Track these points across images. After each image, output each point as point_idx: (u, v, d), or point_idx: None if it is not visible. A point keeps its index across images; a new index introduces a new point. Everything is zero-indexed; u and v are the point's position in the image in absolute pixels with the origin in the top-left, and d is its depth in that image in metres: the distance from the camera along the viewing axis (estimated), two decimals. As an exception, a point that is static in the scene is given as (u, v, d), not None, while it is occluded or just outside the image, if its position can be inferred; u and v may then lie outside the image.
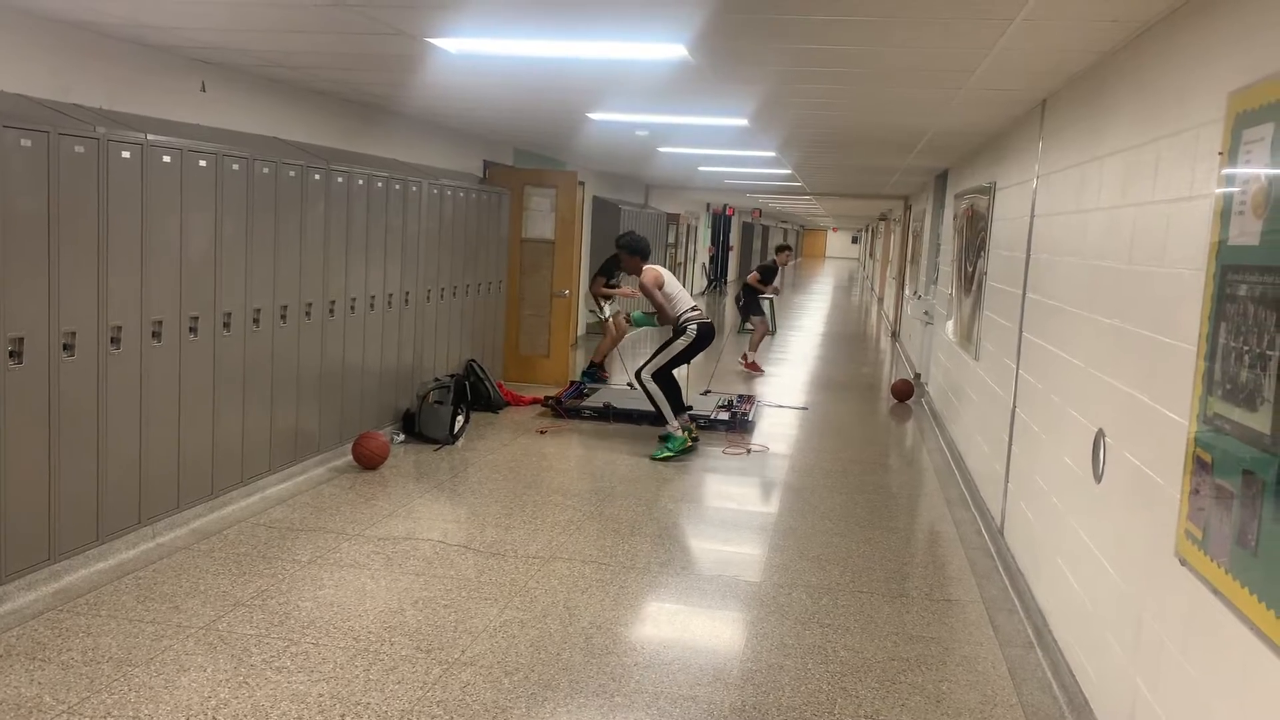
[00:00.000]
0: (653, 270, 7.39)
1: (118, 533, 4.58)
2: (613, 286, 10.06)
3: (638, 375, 7.36)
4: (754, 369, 11.81)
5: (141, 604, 4.11)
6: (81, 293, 4.22)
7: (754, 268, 14.14)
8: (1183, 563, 2.60)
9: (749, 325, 12.86)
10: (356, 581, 4.49)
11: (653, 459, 6.97)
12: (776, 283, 13.49)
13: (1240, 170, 2.44)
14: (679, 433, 7.15)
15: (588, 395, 9.00)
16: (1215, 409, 2.46)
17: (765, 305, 13.60)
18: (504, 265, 9.51)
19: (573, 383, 9.49)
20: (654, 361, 7.33)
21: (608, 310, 10.19)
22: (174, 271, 4.78)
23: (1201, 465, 2.52)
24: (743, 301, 13.06)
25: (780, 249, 14.33)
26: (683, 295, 7.46)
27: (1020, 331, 5.27)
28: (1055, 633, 3.97)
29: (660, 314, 7.37)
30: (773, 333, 16.35)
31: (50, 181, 4.00)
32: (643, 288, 7.34)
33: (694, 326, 7.27)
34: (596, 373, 9.94)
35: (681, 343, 7.28)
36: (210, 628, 3.91)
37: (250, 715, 3.26)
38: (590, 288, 10.36)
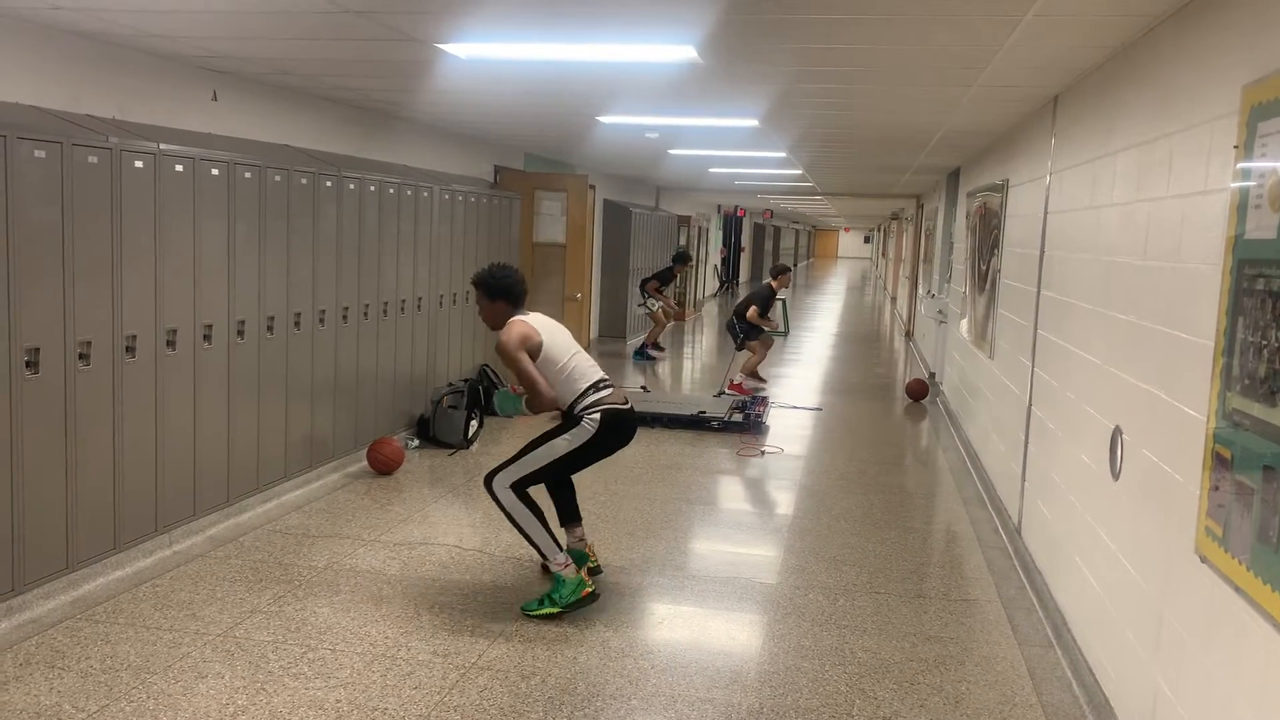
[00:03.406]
0: (520, 324, 4.29)
1: (135, 541, 4.60)
2: (660, 292, 13.07)
3: (488, 481, 4.32)
4: (739, 390, 10.16)
5: (159, 612, 4.12)
6: (96, 303, 4.24)
7: (747, 295, 11.01)
8: (1203, 560, 2.58)
9: (745, 349, 10.70)
10: (373, 587, 4.49)
11: (524, 612, 4.23)
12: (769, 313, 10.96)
13: (1256, 164, 2.42)
14: (569, 572, 4.23)
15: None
16: (1234, 405, 2.44)
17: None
18: (516, 269, 9.50)
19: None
20: (516, 465, 4.30)
21: (655, 304, 13.06)
22: (188, 280, 4.80)
23: (1221, 461, 2.50)
24: (741, 333, 10.65)
25: (781, 270, 11.14)
26: (580, 365, 4.37)
27: (1035, 329, 5.24)
28: (1074, 631, 3.94)
29: (531, 395, 4.22)
30: (785, 333, 16.33)
31: (64, 192, 4.02)
32: (500, 350, 4.26)
33: (595, 416, 4.25)
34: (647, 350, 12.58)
35: (568, 441, 4.26)
36: (227, 635, 3.92)
37: (268, 722, 3.27)
38: (644, 285, 13.34)
